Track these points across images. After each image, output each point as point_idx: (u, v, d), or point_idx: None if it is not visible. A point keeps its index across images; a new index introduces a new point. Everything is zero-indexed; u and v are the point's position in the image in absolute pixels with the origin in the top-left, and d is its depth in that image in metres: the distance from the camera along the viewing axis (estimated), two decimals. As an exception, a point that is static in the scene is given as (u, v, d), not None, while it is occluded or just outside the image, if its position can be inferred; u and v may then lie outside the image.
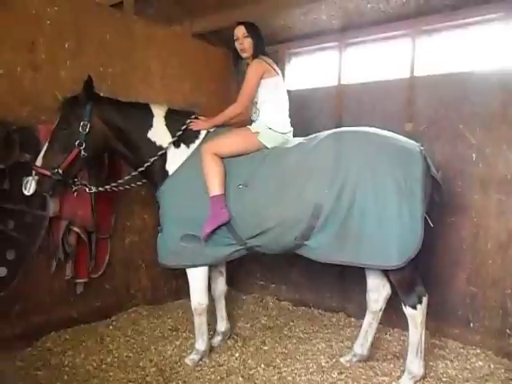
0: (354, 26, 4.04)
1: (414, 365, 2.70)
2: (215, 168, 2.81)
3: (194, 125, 3.01)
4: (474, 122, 3.36)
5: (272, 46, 4.56)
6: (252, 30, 3.05)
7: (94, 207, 3.32)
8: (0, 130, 2.83)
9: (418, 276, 2.69)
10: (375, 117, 3.76)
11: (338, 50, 4.23)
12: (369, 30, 4.00)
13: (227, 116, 3.03)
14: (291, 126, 3.13)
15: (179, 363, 3.01)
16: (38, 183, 2.76)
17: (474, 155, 3.38)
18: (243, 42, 3.04)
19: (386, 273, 2.80)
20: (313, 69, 4.51)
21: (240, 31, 3.05)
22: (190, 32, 4.48)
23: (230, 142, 2.92)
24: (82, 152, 2.82)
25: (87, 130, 2.80)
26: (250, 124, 3.11)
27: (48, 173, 2.75)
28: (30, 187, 2.77)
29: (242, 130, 3.02)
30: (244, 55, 3.10)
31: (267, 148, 2.93)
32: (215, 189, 2.78)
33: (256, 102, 3.08)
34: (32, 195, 2.81)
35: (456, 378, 2.89)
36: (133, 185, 3.22)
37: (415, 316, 2.65)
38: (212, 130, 3.06)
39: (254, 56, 3.05)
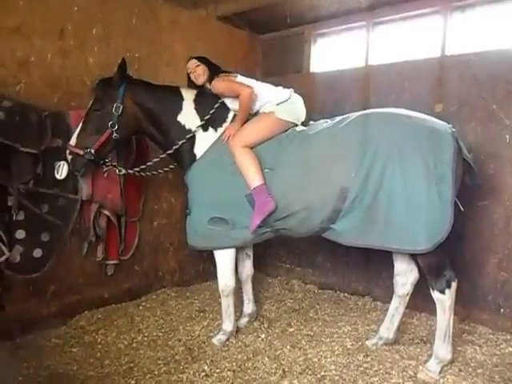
0: (383, 4, 3.91)
1: (442, 349, 2.68)
2: (248, 160, 2.79)
3: (227, 132, 2.91)
4: (508, 102, 3.24)
5: (298, 27, 4.51)
6: (201, 59, 3.05)
7: (123, 191, 3.40)
8: (33, 116, 2.90)
9: (447, 260, 2.64)
10: (404, 98, 3.68)
11: (365, 29, 4.12)
12: (398, 8, 3.87)
13: (246, 106, 2.93)
14: (317, 109, 3.06)
15: (207, 343, 3.08)
16: (71, 162, 2.87)
17: (507, 136, 3.26)
18: (195, 70, 3.03)
19: (414, 257, 2.77)
20: (340, 50, 4.42)
21: (191, 64, 3.05)
22: (214, 15, 4.45)
23: (256, 130, 2.90)
24: (114, 134, 2.89)
25: (120, 111, 2.86)
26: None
27: (81, 152, 2.84)
28: (62, 171, 2.86)
29: (261, 115, 2.99)
30: (199, 81, 3.04)
31: (290, 122, 2.91)
32: (254, 180, 2.76)
33: (256, 95, 2.99)
34: (64, 179, 2.89)
35: (484, 363, 2.85)
36: (160, 171, 3.25)
37: (443, 300, 2.62)
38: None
39: (211, 78, 3.01)
